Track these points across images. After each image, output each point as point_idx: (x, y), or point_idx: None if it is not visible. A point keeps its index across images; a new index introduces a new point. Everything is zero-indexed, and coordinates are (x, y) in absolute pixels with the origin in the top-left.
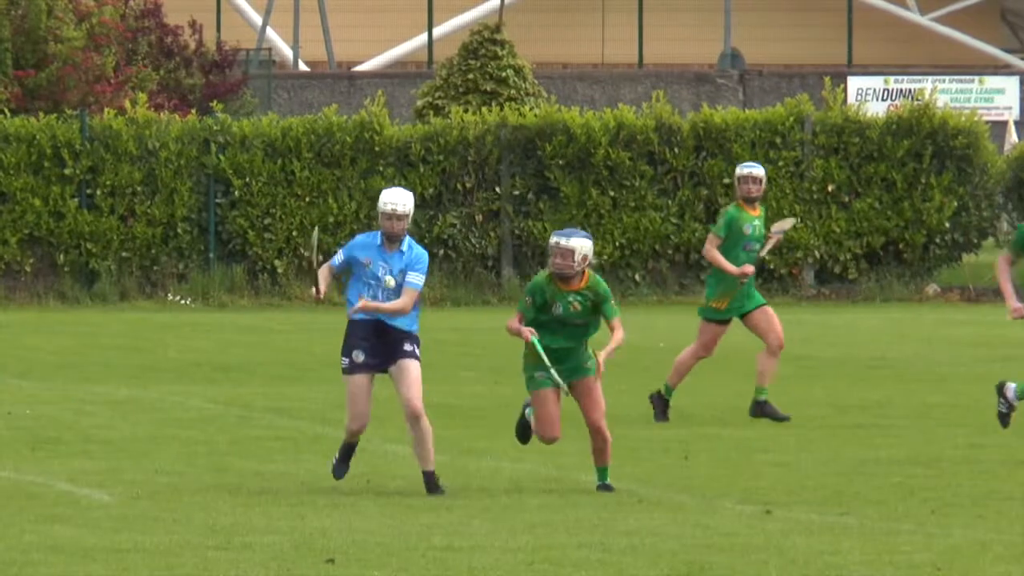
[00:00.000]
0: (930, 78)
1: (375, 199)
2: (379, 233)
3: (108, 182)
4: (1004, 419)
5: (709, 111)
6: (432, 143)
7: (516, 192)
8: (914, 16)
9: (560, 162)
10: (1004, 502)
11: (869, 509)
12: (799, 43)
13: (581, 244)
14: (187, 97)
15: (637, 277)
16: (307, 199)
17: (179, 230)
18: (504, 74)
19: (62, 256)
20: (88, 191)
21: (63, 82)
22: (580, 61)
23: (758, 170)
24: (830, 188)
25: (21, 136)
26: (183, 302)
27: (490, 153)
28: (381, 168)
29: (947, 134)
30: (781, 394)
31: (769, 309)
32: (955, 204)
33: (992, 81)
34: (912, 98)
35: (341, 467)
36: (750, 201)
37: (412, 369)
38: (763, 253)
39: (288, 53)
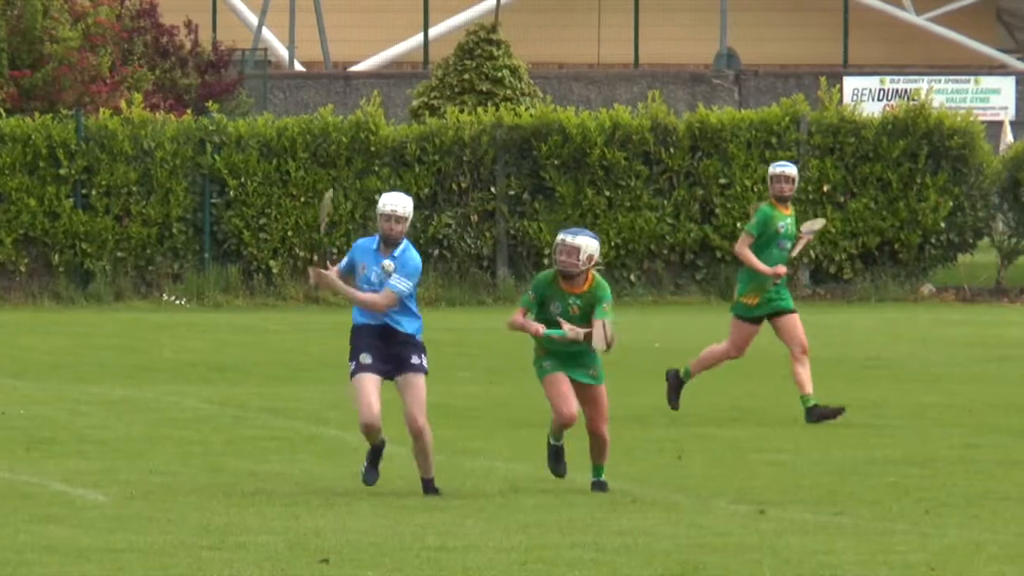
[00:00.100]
0: (926, 78)
1: (371, 199)
2: (378, 237)
3: (103, 182)
4: None
5: (705, 111)
6: (428, 143)
7: (511, 192)
8: (910, 16)
9: (555, 162)
10: (999, 502)
11: (863, 509)
12: (795, 43)
13: (587, 243)
14: (183, 97)
15: (632, 277)
16: (302, 199)
17: (174, 230)
18: (500, 74)
19: (57, 256)
20: (83, 191)
21: (59, 82)
22: (576, 61)
23: (791, 169)
24: (825, 188)
25: (16, 136)
26: (178, 302)
27: (485, 153)
28: (377, 168)
29: (943, 134)
30: (777, 393)
31: (796, 316)
32: (950, 204)
33: (988, 81)
34: (908, 98)
35: (370, 473)
36: (782, 200)
37: (418, 384)
38: (794, 253)
39: (284, 53)
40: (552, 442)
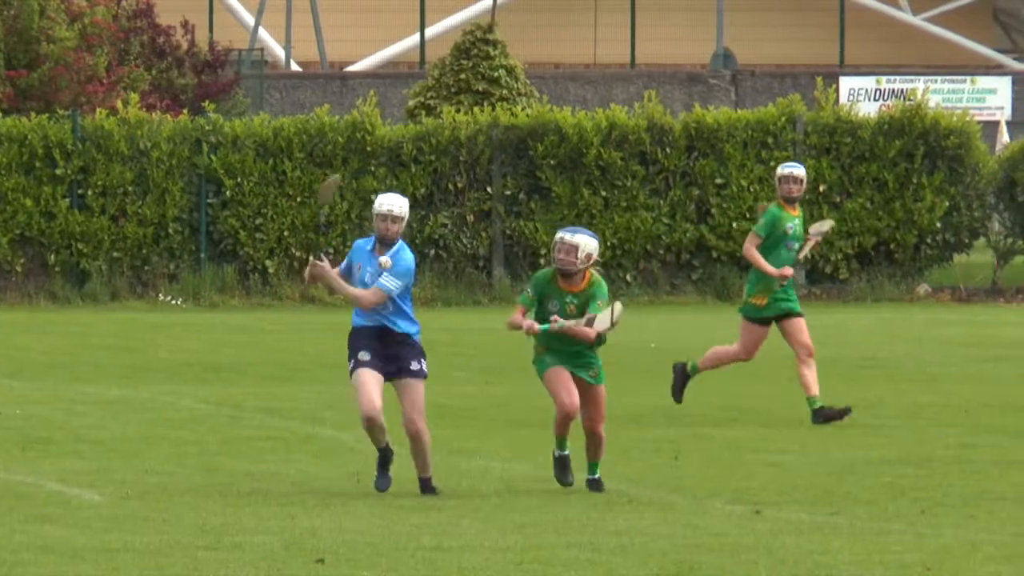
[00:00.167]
0: (922, 78)
1: (367, 199)
2: (374, 237)
3: (99, 182)
4: None
5: (701, 111)
6: (424, 143)
7: (507, 192)
8: (906, 16)
9: (552, 162)
10: (995, 502)
11: (859, 509)
12: (791, 43)
13: (586, 241)
14: (179, 97)
15: (628, 277)
16: (298, 199)
17: (170, 230)
18: (496, 74)
19: (53, 256)
20: (79, 191)
21: (55, 82)
22: (572, 61)
23: (799, 170)
24: (821, 188)
25: (12, 136)
26: (174, 302)
27: (482, 153)
28: (373, 168)
29: (939, 134)
30: (772, 394)
31: (803, 319)
32: (946, 204)
33: (984, 81)
34: (904, 98)
35: (382, 480)
36: (791, 201)
37: (418, 389)
38: (801, 255)
39: (280, 53)
40: (557, 453)
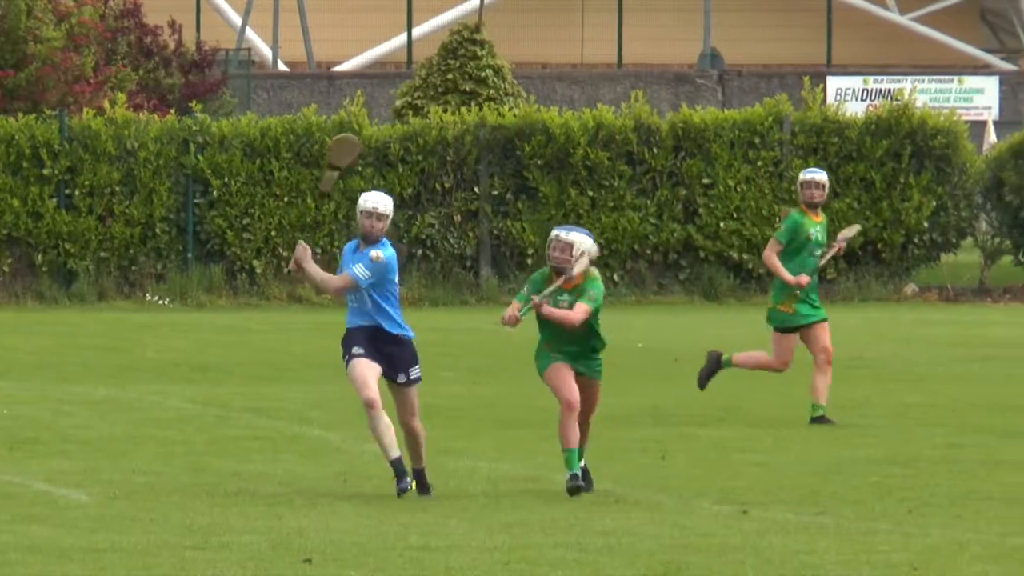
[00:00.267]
0: (909, 78)
1: (354, 199)
2: (358, 240)
3: (87, 182)
4: None
5: (688, 111)
6: (411, 143)
7: (495, 192)
8: (893, 16)
9: (539, 162)
10: (982, 502)
11: (846, 509)
12: (778, 43)
13: (581, 240)
14: (166, 97)
15: (615, 277)
16: (286, 199)
17: (157, 230)
18: (483, 74)
19: (40, 256)
20: (67, 191)
21: (42, 82)
22: (559, 61)
23: (821, 175)
24: None
25: (0, 136)
26: (161, 302)
27: (469, 153)
28: (360, 168)
29: (926, 134)
30: (761, 393)
31: (826, 324)
32: (934, 204)
33: (971, 81)
34: (891, 98)
35: (401, 485)
36: (813, 206)
37: (412, 394)
38: (822, 261)
39: (267, 53)
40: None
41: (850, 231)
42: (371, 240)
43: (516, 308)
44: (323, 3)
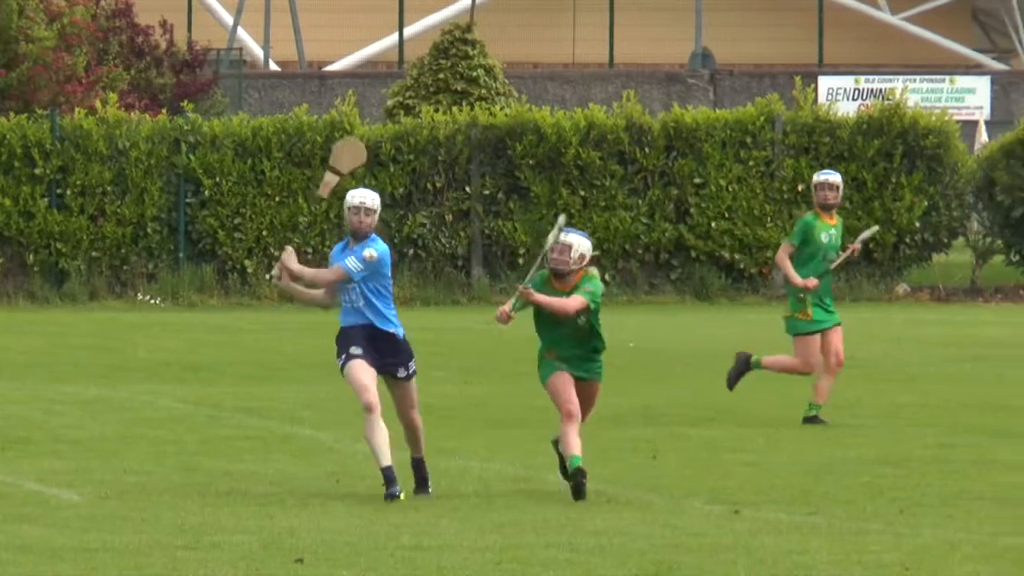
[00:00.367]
0: (901, 78)
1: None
2: (347, 238)
3: (78, 182)
4: None
5: (680, 111)
6: (402, 143)
7: (486, 192)
8: (885, 16)
9: (530, 162)
10: (973, 502)
11: (838, 509)
12: (770, 43)
13: (580, 242)
14: (158, 97)
15: (607, 277)
16: (277, 199)
17: (149, 230)
18: (475, 74)
19: (32, 256)
20: (58, 191)
21: (34, 82)
22: (551, 61)
23: (835, 177)
24: (800, 188)
25: None
26: (152, 302)
27: (460, 153)
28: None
29: (917, 134)
30: (751, 394)
31: (840, 330)
32: (925, 204)
33: (963, 81)
34: (883, 98)
35: (390, 491)
36: (827, 209)
37: (410, 388)
38: (835, 265)
39: (259, 53)
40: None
41: (867, 233)
42: (360, 236)
43: (509, 306)
44: (314, 3)
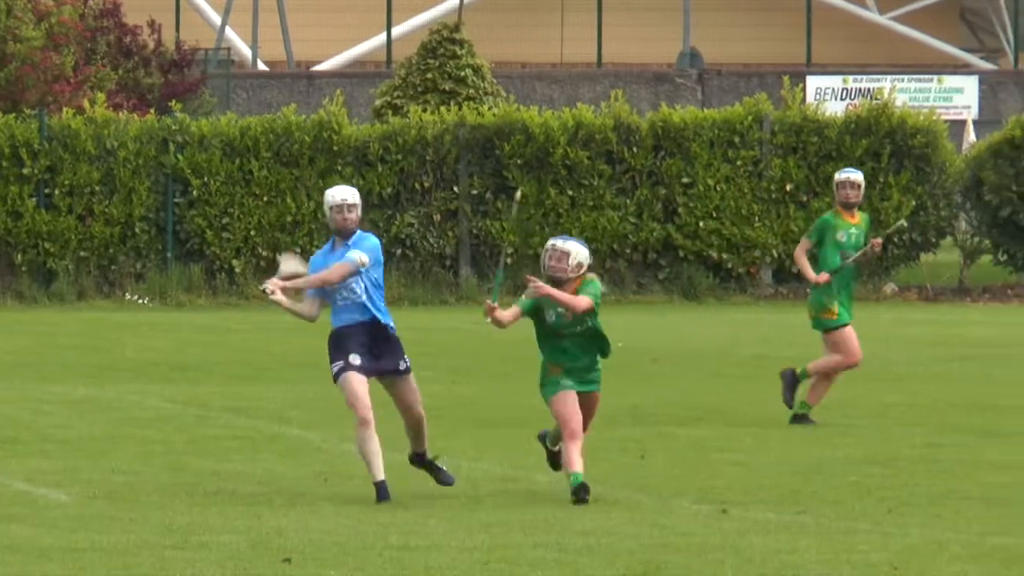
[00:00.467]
0: (889, 77)
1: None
2: (331, 241)
3: (66, 182)
4: None
5: (668, 110)
6: (390, 142)
7: (474, 191)
8: (873, 15)
9: (518, 161)
10: (961, 501)
11: (826, 508)
12: (758, 42)
13: (577, 250)
14: (146, 97)
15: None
16: (265, 199)
17: (137, 230)
18: (463, 73)
19: (20, 256)
20: (46, 191)
21: (22, 81)
22: (539, 61)
23: (856, 175)
24: (788, 187)
25: None
26: (141, 301)
27: (448, 152)
28: (339, 167)
29: (905, 133)
30: (739, 394)
31: (851, 328)
32: (913, 203)
33: (951, 80)
34: (871, 97)
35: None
36: (848, 207)
37: (410, 383)
38: (850, 261)
39: (247, 53)
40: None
41: (892, 228)
42: (346, 234)
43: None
44: (303, 3)
